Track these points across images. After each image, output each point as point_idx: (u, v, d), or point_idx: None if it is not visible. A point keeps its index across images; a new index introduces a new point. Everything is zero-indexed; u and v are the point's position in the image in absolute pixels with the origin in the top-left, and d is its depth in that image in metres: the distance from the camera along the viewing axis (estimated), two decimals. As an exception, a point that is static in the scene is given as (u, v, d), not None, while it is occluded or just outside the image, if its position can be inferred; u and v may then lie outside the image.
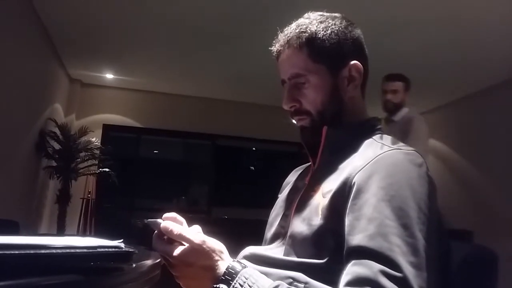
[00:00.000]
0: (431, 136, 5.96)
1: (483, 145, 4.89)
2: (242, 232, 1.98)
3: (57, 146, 4.67)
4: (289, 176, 1.18)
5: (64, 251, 0.52)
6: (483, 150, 4.89)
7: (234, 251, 0.90)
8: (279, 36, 1.00)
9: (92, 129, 5.07)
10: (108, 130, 5.77)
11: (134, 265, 0.60)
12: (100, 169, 4.96)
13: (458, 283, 0.83)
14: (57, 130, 4.66)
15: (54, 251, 0.51)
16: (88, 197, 5.23)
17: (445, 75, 4.69)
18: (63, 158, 4.62)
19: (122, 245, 0.58)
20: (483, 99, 4.95)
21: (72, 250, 0.53)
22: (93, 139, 4.94)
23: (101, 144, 5.15)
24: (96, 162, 5.03)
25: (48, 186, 5.01)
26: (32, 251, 0.50)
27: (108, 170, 4.85)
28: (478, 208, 4.78)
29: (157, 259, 0.73)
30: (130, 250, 0.58)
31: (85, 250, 0.54)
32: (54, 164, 4.65)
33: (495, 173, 4.65)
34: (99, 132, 5.64)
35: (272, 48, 1.02)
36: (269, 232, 1.02)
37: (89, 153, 4.80)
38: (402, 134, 2.94)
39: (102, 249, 0.56)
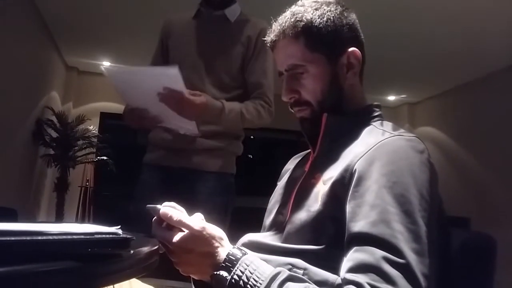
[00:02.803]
0: (430, 125, 5.97)
1: (481, 133, 4.89)
2: (240, 220, 1.97)
3: (54, 134, 4.66)
4: (287, 164, 1.18)
5: (60, 237, 0.51)
6: (480, 137, 4.90)
7: (232, 239, 0.89)
8: (273, 26, 0.98)
9: (89, 117, 5.06)
10: (106, 118, 5.75)
11: (132, 251, 0.59)
12: (98, 157, 4.96)
13: (457, 269, 0.83)
14: (54, 118, 4.64)
15: (50, 237, 0.50)
16: (86, 185, 5.23)
17: (444, 63, 4.67)
18: (60, 146, 4.62)
19: (120, 231, 0.58)
20: (482, 87, 4.94)
21: (69, 237, 0.52)
22: (91, 127, 4.93)
23: (98, 132, 5.14)
24: (94, 150, 5.03)
25: (46, 175, 5.01)
26: (28, 238, 0.49)
27: (106, 158, 4.84)
28: (475, 196, 4.80)
29: (155, 246, 0.73)
30: (128, 236, 0.57)
31: (82, 237, 0.53)
32: (52, 152, 4.65)
33: (493, 161, 4.67)
34: (97, 120, 5.62)
35: (266, 38, 1.00)
36: (268, 219, 1.02)
37: (86, 141, 4.80)
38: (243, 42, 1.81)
39: (99, 236, 0.55)
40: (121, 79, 1.52)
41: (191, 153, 1.73)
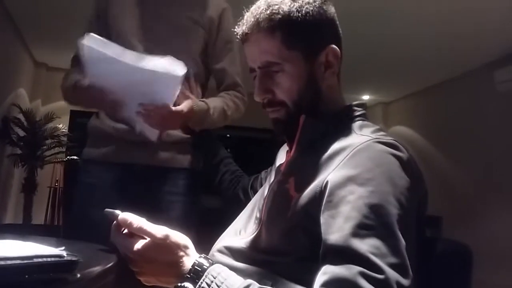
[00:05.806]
0: (403, 124, 6.03)
1: (452, 132, 4.97)
2: (213, 221, 1.92)
3: (21, 133, 4.49)
4: (280, 151, 1.09)
5: (-9, 263, 0.45)
6: (451, 137, 4.97)
7: (206, 240, 0.85)
8: (246, 17, 0.89)
9: (58, 115, 4.88)
10: (76, 116, 5.56)
11: (78, 275, 0.53)
12: (68, 157, 4.81)
13: (433, 278, 0.80)
14: (21, 117, 4.48)
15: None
16: (55, 185, 5.06)
17: (417, 63, 4.71)
18: (28, 146, 4.46)
19: (64, 253, 0.51)
20: (454, 87, 5.01)
21: (2, 262, 0.46)
22: (60, 126, 4.78)
23: (68, 130, 4.98)
24: (63, 149, 4.88)
25: (13, 175, 4.83)
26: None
27: (77, 157, 4.69)
28: (446, 194, 4.86)
29: (109, 263, 0.67)
30: (73, 259, 0.51)
31: (18, 261, 0.47)
32: (19, 151, 4.49)
33: (463, 159, 4.74)
34: (67, 118, 5.44)
35: (236, 29, 0.91)
36: (242, 221, 0.97)
37: (55, 140, 4.65)
38: None
39: (39, 259, 0.49)
40: (99, 59, 1.20)
41: (156, 147, 1.45)
